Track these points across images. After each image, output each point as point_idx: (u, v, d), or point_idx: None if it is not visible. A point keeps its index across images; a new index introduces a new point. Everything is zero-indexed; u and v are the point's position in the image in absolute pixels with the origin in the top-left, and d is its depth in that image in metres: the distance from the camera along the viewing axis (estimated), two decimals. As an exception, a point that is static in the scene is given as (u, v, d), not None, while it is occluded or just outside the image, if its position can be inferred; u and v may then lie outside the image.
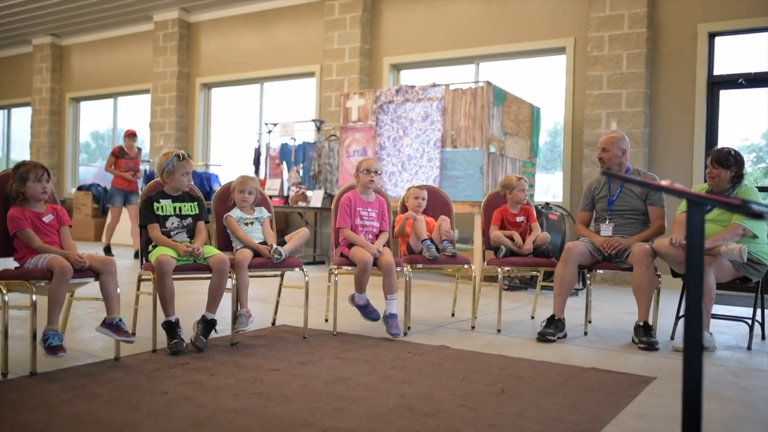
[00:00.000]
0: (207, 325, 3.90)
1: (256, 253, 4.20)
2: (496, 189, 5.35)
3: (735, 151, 4.42)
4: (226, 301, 4.06)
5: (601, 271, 4.82)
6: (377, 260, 4.41)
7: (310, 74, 10.72)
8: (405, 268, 4.62)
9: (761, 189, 8.20)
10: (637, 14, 7.78)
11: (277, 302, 4.79)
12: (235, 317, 4.00)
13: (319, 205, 9.01)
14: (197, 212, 4.17)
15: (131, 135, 9.57)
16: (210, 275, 3.92)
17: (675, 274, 4.66)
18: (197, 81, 12.14)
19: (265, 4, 11.14)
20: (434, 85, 7.66)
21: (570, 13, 8.42)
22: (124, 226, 10.13)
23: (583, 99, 8.17)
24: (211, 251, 4.00)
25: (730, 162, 4.38)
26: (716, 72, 7.69)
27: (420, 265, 4.78)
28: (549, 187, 9.06)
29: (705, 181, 4.65)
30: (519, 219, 5.09)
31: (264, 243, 4.31)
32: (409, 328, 4.59)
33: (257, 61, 11.30)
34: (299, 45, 10.78)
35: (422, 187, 5.15)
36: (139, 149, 9.75)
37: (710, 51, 7.68)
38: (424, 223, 4.83)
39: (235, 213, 4.39)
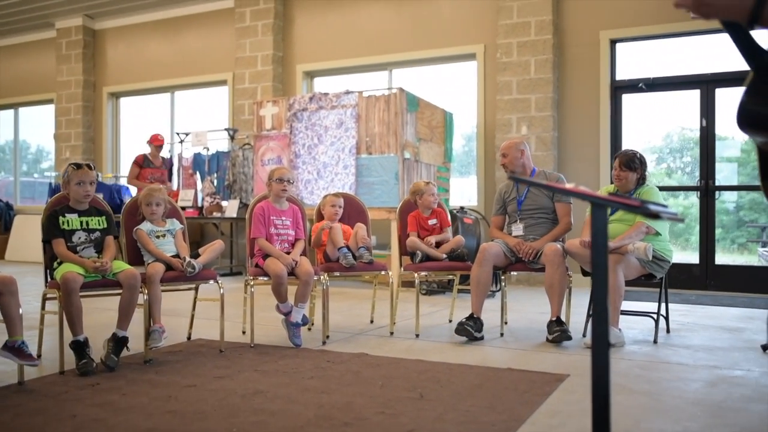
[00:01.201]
0: (118, 342, 3.76)
1: (169, 267, 4.09)
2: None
3: (640, 154, 4.68)
4: (138, 316, 3.94)
5: (515, 273, 4.92)
6: (294, 269, 4.37)
7: (222, 82, 10.56)
8: (322, 277, 4.59)
9: (662, 188, 8.58)
10: (543, 21, 8.01)
11: (192, 316, 4.69)
12: (148, 333, 3.89)
13: (234, 215, 8.87)
14: (105, 226, 4.03)
15: (157, 142, 8.51)
16: (120, 291, 3.79)
17: (585, 273, 4.82)
18: (104, 90, 11.76)
19: (173, 11, 10.91)
20: (348, 92, 7.67)
21: (479, 20, 8.60)
22: (25, 240, 9.68)
23: (494, 104, 8.34)
24: (121, 266, 3.87)
25: (635, 165, 4.63)
26: (618, 77, 8.00)
27: (337, 273, 4.76)
28: (464, 191, 9.20)
29: (612, 182, 4.85)
30: (431, 222, 5.16)
31: (177, 256, 4.20)
32: (327, 336, 4.57)
33: (167, 69, 11.04)
34: (210, 53, 10.60)
35: (338, 195, 5.14)
36: (164, 158, 8.77)
37: (612, 57, 7.99)
38: (341, 230, 4.82)
39: (146, 226, 4.26)
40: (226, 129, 9.73)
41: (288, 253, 4.47)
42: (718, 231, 9.69)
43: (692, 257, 7.80)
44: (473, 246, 6.80)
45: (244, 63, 9.99)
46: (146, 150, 8.79)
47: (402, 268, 5.12)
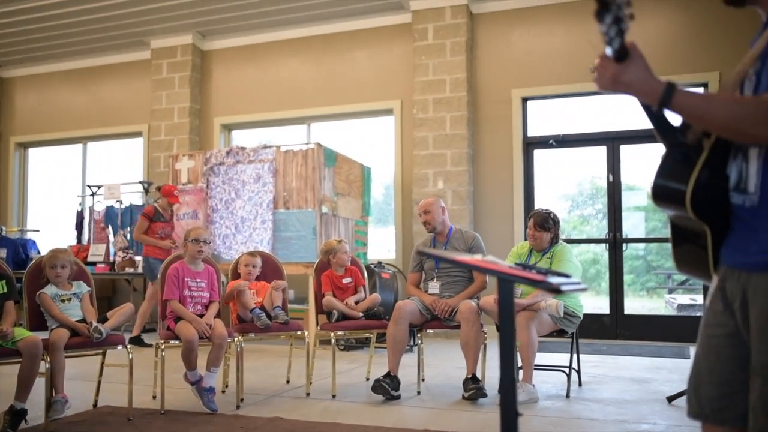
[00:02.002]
0: (16, 415, 3.57)
1: (74, 332, 3.93)
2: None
3: (553, 214, 4.87)
4: (40, 385, 3.75)
5: (431, 331, 4.95)
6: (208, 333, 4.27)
7: (138, 134, 10.36)
8: (236, 339, 4.50)
9: (573, 241, 8.87)
10: (458, 79, 8.25)
11: (99, 382, 4.49)
12: (50, 404, 3.70)
13: (148, 270, 8.61)
14: (5, 291, 3.86)
15: (173, 198, 7.48)
16: (20, 360, 3.61)
17: (500, 329, 4.89)
18: (11, 140, 11.34)
19: (87, 61, 10.69)
20: (265, 147, 7.66)
21: (396, 76, 8.78)
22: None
23: (411, 158, 8.49)
24: (22, 333, 3.70)
25: (549, 225, 4.81)
26: (530, 133, 8.29)
27: (252, 335, 4.68)
28: (384, 242, 9.24)
29: (525, 239, 5.00)
30: (346, 281, 5.16)
31: (83, 321, 4.05)
32: (242, 400, 4.46)
33: (80, 119, 10.76)
34: (125, 103, 10.41)
35: (254, 253, 5.09)
36: (173, 211, 7.75)
37: (524, 114, 8.29)
38: (249, 293, 4.76)
39: (50, 290, 4.10)
40: (140, 182, 9.53)
41: (201, 315, 4.37)
42: (628, 276, 10.07)
43: (603, 304, 8.03)
44: (391, 301, 6.83)
45: (161, 115, 9.86)
46: (136, 194, 8.16)
47: (318, 327, 5.08)
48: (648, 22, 7.68)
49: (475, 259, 2.06)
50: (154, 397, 4.58)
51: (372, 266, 7.37)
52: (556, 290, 1.81)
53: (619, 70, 1.56)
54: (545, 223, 4.82)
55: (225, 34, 9.70)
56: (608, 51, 1.55)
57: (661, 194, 1.76)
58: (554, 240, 4.88)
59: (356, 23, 9.07)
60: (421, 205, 5.20)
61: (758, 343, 1.58)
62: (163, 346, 4.32)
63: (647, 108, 1.67)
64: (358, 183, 8.24)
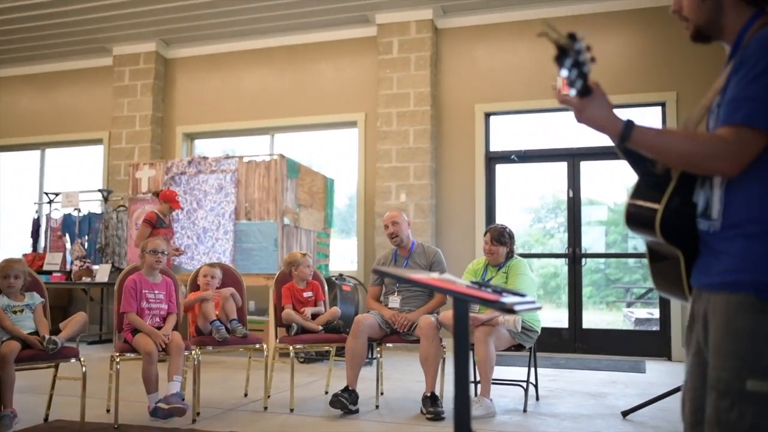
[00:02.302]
0: (-37, 430, 3.49)
1: (26, 345, 3.85)
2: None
3: (509, 229, 4.92)
4: (-11, 400, 3.67)
5: (390, 345, 4.95)
6: (166, 344, 4.22)
7: (98, 141, 10.21)
8: (194, 351, 4.46)
9: (533, 255, 8.99)
10: (422, 93, 8.31)
11: (51, 395, 4.40)
12: (-2, 419, 3.62)
13: (105, 279, 8.48)
14: (-46, 302, 3.76)
15: (176, 204, 7.12)
16: (-32, 373, 3.53)
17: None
18: (-33, 145, 11.10)
19: (47, 66, 10.52)
20: (228, 157, 7.62)
21: (360, 89, 8.81)
22: None
23: (375, 171, 8.51)
24: (-29, 346, 3.61)
25: (505, 240, 4.86)
26: (492, 148, 8.38)
27: (210, 348, 4.64)
28: (347, 253, 9.23)
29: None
30: (306, 294, 5.14)
31: (35, 333, 3.97)
32: (198, 413, 4.41)
33: (38, 125, 10.56)
34: (86, 110, 10.26)
35: (214, 265, 5.05)
36: (172, 218, 7.37)
37: (486, 129, 8.37)
38: (212, 304, 4.72)
39: (1, 300, 4.01)
40: (99, 190, 9.39)
41: (159, 327, 4.32)
42: (588, 289, 10.20)
43: (563, 318, 8.11)
44: (351, 313, 6.81)
45: (122, 123, 9.74)
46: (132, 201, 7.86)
47: (277, 340, 5.05)
48: (608, 43, 7.83)
49: (431, 278, 2.08)
50: (108, 411, 4.49)
51: (333, 278, 7.36)
52: (509, 310, 1.85)
53: (582, 106, 1.68)
54: (501, 238, 4.88)
55: (189, 42, 9.64)
56: (572, 93, 1.66)
57: (633, 220, 1.86)
58: (510, 254, 4.94)
59: (322, 35, 9.09)
60: (388, 216, 5.20)
61: (713, 359, 1.66)
62: (118, 359, 4.25)
63: (615, 144, 1.76)
64: (320, 195, 8.24)
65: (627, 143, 1.70)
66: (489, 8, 8.28)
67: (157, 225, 6.91)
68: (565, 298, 8.14)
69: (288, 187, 7.47)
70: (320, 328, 4.97)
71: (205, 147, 9.90)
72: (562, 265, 8.50)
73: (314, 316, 5.04)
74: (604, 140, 1.86)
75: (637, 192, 1.86)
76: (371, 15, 8.54)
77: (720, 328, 1.66)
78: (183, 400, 4.20)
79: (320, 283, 5.29)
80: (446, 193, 8.37)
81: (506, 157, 8.31)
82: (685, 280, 1.81)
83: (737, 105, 1.64)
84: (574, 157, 8.06)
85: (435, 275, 2.21)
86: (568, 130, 8.17)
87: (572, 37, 1.56)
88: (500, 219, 8.29)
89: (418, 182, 8.22)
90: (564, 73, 1.59)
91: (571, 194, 8.09)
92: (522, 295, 2.15)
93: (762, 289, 1.61)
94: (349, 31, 8.95)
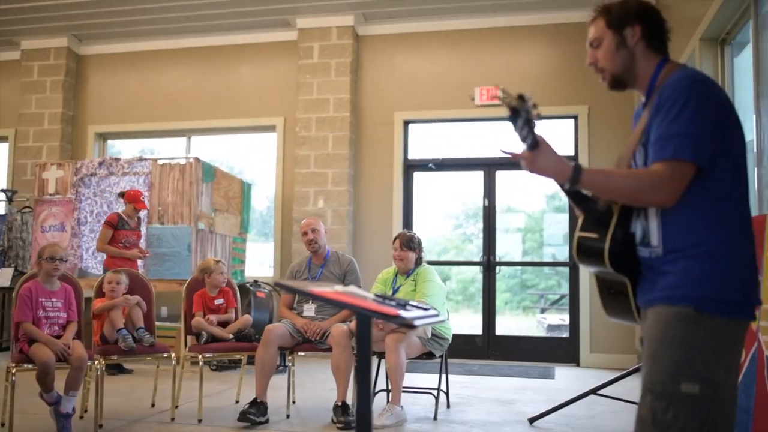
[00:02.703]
0: None
1: None
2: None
3: (417, 236, 4.98)
4: None
5: (302, 353, 4.92)
6: (66, 355, 4.06)
7: (2, 139, 9.75)
8: (97, 362, 4.30)
9: (448, 263, 9.11)
10: (342, 99, 8.30)
11: (-60, 408, 4.17)
12: None
13: (8, 284, 8.10)
14: None
15: (140, 204, 6.75)
16: None
17: (373, 353, 4.92)
18: None
19: (-51, 58, 10.00)
20: (141, 159, 7.41)
21: (280, 93, 8.72)
22: None
23: (293, 176, 8.44)
24: None
25: (414, 245, 4.90)
26: (411, 156, 8.44)
27: (115, 357, 4.49)
28: (265, 258, 9.12)
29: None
30: (218, 302, 5.05)
31: None
32: (100, 425, 4.26)
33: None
34: (-10, 106, 9.80)
35: (119, 271, 4.89)
36: (139, 218, 6.94)
37: (405, 137, 8.43)
38: (120, 312, 4.57)
39: None
40: (3, 190, 8.97)
41: (59, 336, 4.15)
42: (505, 295, 10.39)
43: (478, 324, 8.23)
44: (266, 320, 6.74)
45: (29, 120, 9.33)
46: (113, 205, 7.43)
47: (187, 348, 4.93)
48: (524, 56, 8.02)
49: (335, 291, 2.06)
50: (3, 425, 4.29)
51: (248, 285, 7.26)
52: (409, 326, 1.87)
53: (533, 158, 1.89)
54: (410, 243, 4.92)
55: (104, 39, 9.33)
56: (524, 147, 1.88)
57: (583, 253, 2.05)
58: (418, 261, 4.98)
59: (242, 37, 8.96)
60: (307, 223, 5.15)
61: (650, 364, 1.87)
62: (14, 370, 4.06)
63: (560, 185, 1.96)
64: (237, 199, 8.11)
65: (576, 185, 1.91)
66: (410, 17, 8.34)
67: (119, 226, 6.61)
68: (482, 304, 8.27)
69: (203, 191, 7.32)
70: (231, 336, 4.89)
71: (121, 147, 9.60)
72: (478, 272, 8.63)
73: (223, 325, 4.95)
74: (519, 151, 2.01)
75: (584, 227, 2.05)
76: (292, 19, 8.48)
77: (658, 336, 1.86)
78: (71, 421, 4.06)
79: (232, 291, 5.20)
80: (364, 200, 8.38)
81: (424, 165, 8.38)
82: (633, 304, 2.00)
83: (665, 142, 1.86)
84: (490, 167, 8.21)
85: (339, 288, 2.20)
86: (485, 140, 8.32)
87: (521, 98, 1.77)
88: (418, 226, 8.36)
89: (336, 188, 8.20)
90: (516, 131, 1.82)
91: (486, 203, 8.23)
92: (425, 308, 2.17)
93: (700, 303, 1.83)
94: (270, 34, 8.86)
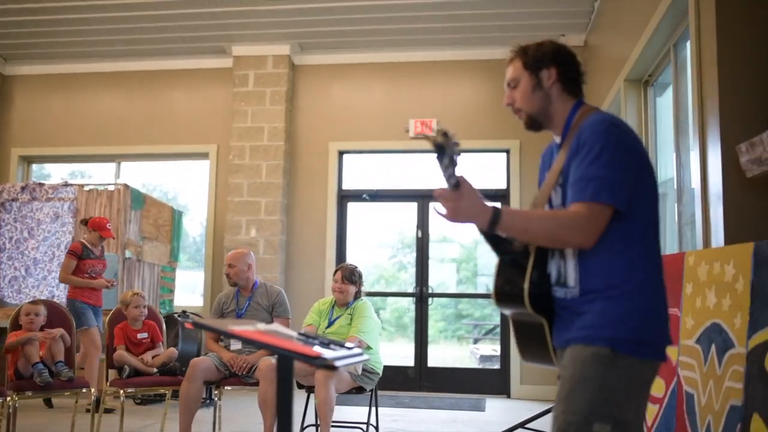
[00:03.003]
0: None
1: None
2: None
3: (358, 269, 4.93)
4: None
5: (229, 388, 4.80)
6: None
7: None
8: (9, 398, 4.10)
9: (381, 294, 9.09)
10: (276, 128, 8.25)
11: None
12: None
13: None
14: None
15: (106, 233, 6.35)
16: None
17: (300, 386, 4.84)
18: None
19: None
20: (66, 185, 7.19)
21: (214, 120, 8.61)
22: None
23: (225, 205, 8.31)
24: None
25: (356, 279, 4.86)
26: (345, 186, 8.44)
27: (29, 393, 4.30)
28: (197, 287, 8.91)
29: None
30: (141, 336, 4.90)
31: None
32: (11, 466, 4.06)
33: None
34: None
35: (37, 302, 4.71)
36: (102, 247, 6.55)
37: (340, 167, 8.42)
38: (37, 345, 4.39)
39: None
40: None
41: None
42: (440, 324, 10.42)
43: (411, 355, 8.21)
44: (194, 352, 6.58)
45: (-52, 141, 8.98)
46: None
47: (108, 383, 4.76)
48: (458, 90, 8.15)
49: (256, 330, 2.02)
50: None
51: (176, 315, 7.08)
52: (330, 367, 1.84)
53: (456, 198, 1.84)
54: (352, 277, 4.87)
55: (30, 60, 9.06)
56: (447, 186, 1.83)
57: (503, 298, 2.04)
58: (357, 295, 4.94)
59: (176, 63, 8.84)
60: (229, 256, 5.07)
61: (563, 404, 1.86)
62: None
63: (479, 228, 1.95)
64: (167, 227, 7.94)
65: (496, 227, 1.89)
66: (346, 48, 8.39)
67: (83, 256, 6.27)
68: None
69: (132, 218, 7.15)
70: (155, 370, 4.74)
71: (47, 172, 9.29)
72: (411, 302, 8.64)
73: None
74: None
75: (501, 271, 2.05)
76: (228, 46, 8.42)
77: (574, 375, 1.86)
78: None
79: (157, 323, 5.06)
80: (297, 230, 8.32)
81: (358, 196, 8.39)
82: (550, 345, 2.00)
83: (584, 184, 1.87)
84: (423, 198, 8.25)
85: (261, 327, 2.16)
86: (419, 172, 8.38)
87: (445, 134, 1.73)
88: (352, 256, 8.34)
89: (269, 218, 8.12)
90: (442, 169, 1.77)
91: (420, 234, 8.28)
92: (348, 348, 2.14)
93: (617, 344, 1.84)
94: (205, 60, 8.77)
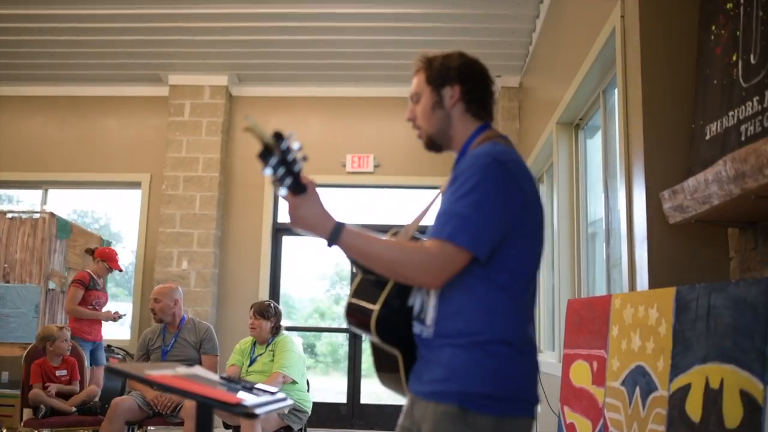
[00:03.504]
0: None
1: None
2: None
3: (275, 304, 4.88)
4: None
5: (153, 428, 4.64)
6: None
7: None
8: None
9: (313, 330, 8.99)
10: (212, 159, 8.14)
11: None
12: None
13: None
14: None
15: (114, 264, 6.27)
16: None
17: (226, 426, 4.73)
18: None
19: None
20: (-13, 212, 6.91)
21: (147, 149, 8.44)
22: None
23: (156, 236, 8.11)
24: None
25: (270, 314, 4.80)
26: (280, 219, 8.36)
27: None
28: (126, 319, 8.60)
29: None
30: (60, 373, 4.71)
31: None
32: None
33: None
34: None
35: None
36: (104, 279, 6.45)
37: (275, 200, 8.34)
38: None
39: None
40: None
41: None
42: (372, 361, 10.30)
43: (343, 392, 8.11)
44: (118, 389, 6.33)
45: None
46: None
47: (22, 423, 4.54)
48: (396, 127, 8.14)
49: (174, 375, 1.95)
50: None
51: (101, 350, 6.83)
52: (251, 415, 1.78)
53: (295, 203, 1.67)
54: (266, 312, 4.82)
55: (-45, 82, 8.75)
56: (282, 191, 1.62)
57: (352, 319, 1.86)
58: (276, 330, 4.88)
59: (111, 89, 8.64)
60: (155, 290, 4.96)
61: None
62: None
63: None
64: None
65: (335, 244, 1.70)
66: (284, 81, 8.37)
67: (90, 286, 6.07)
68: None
69: (57, 248, 6.90)
70: (74, 409, 4.55)
71: (-35, 197, 8.93)
72: (344, 338, 8.56)
73: (67, 396, 4.60)
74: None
75: (358, 290, 1.87)
76: (164, 75, 8.30)
77: None
78: None
79: (78, 360, 4.87)
80: (230, 263, 8.17)
81: (293, 230, 8.29)
82: (403, 379, 1.82)
83: (446, 219, 1.69)
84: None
85: (181, 371, 2.09)
86: (356, 206, 8.37)
87: (278, 136, 1.54)
88: (287, 290, 8.24)
89: (202, 250, 7.96)
90: (268, 171, 1.56)
91: (354, 268, 8.21)
92: (272, 392, 2.09)
93: (465, 399, 1.64)
94: (140, 88, 8.60)
